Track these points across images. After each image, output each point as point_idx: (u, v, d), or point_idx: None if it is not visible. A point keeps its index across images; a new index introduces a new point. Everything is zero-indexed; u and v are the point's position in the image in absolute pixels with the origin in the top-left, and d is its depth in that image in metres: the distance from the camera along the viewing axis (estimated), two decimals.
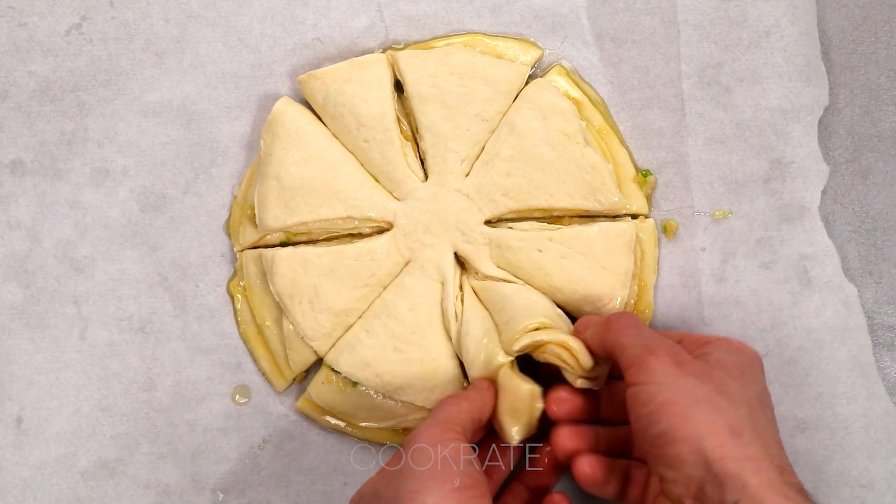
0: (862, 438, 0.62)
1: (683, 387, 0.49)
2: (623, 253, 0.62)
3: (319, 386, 0.63)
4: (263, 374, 0.65)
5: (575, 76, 0.66)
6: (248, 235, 0.65)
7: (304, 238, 0.64)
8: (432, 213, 0.62)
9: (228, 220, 0.66)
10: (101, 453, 0.65)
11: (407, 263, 0.63)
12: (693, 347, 0.55)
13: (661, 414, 0.49)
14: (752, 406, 0.51)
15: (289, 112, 0.64)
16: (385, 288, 0.63)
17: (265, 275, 0.64)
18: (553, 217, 0.63)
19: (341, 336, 0.63)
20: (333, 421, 0.64)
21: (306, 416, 0.65)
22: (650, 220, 0.65)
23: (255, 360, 0.66)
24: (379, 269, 0.62)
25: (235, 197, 0.66)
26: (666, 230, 0.65)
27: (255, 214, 0.64)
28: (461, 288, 0.62)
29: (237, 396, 0.65)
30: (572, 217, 0.63)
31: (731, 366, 0.52)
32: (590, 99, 0.66)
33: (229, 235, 0.66)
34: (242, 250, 0.65)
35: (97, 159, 0.66)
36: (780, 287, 0.64)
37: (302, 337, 0.62)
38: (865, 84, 0.66)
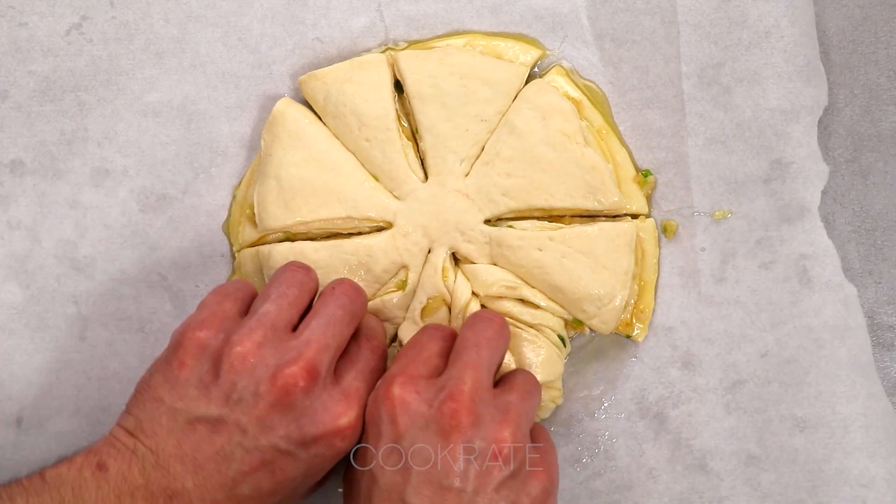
0: (862, 438, 0.62)
1: None
2: (623, 253, 0.62)
3: None
4: None
5: (575, 76, 0.66)
6: (248, 235, 0.65)
7: (303, 238, 0.64)
8: (432, 214, 0.62)
9: (227, 219, 0.66)
10: None
11: (404, 267, 0.63)
12: None
13: None
14: None
15: (289, 112, 0.64)
16: (383, 286, 0.63)
17: (262, 272, 0.64)
18: (553, 216, 0.63)
19: None
20: None
21: None
22: (650, 220, 0.65)
23: None
24: (375, 266, 0.62)
25: (235, 197, 0.66)
26: (666, 230, 0.65)
27: (254, 214, 0.64)
28: None
29: None
30: (573, 217, 0.64)
31: None
32: (590, 99, 0.66)
33: (228, 235, 0.66)
34: (241, 249, 0.65)
35: (97, 159, 0.66)
36: (779, 287, 0.64)
37: None
38: (865, 84, 0.66)
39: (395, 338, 0.63)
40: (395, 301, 0.62)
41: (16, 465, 0.64)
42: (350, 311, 0.55)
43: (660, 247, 0.65)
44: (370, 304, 0.62)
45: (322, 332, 0.53)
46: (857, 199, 0.66)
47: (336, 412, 0.52)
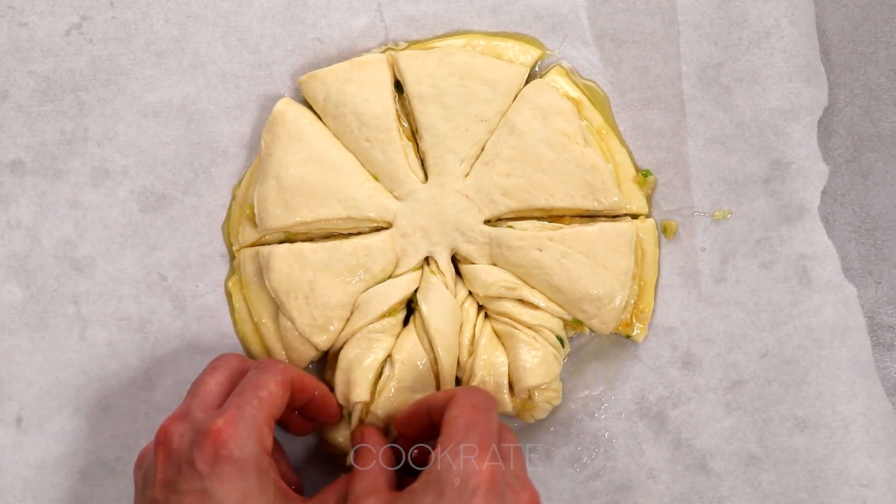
0: (862, 437, 0.62)
1: None
2: (623, 253, 0.62)
3: None
4: None
5: (575, 76, 0.66)
6: (248, 235, 0.65)
7: (303, 238, 0.64)
8: (431, 216, 0.62)
9: (227, 219, 0.66)
10: (101, 453, 0.65)
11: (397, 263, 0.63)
12: None
13: None
14: None
15: (289, 112, 0.64)
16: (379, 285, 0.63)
17: (262, 272, 0.63)
18: (553, 216, 0.63)
19: (340, 330, 0.62)
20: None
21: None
22: (650, 220, 0.65)
23: (251, 357, 0.65)
24: (373, 265, 0.62)
25: (235, 197, 0.66)
26: (666, 230, 0.65)
27: (254, 214, 0.64)
28: (473, 328, 0.63)
29: None
30: (572, 217, 0.64)
31: None
32: (590, 99, 0.66)
33: (228, 235, 0.66)
34: (241, 249, 0.65)
35: (97, 159, 0.66)
36: (779, 287, 0.64)
37: (299, 333, 0.62)
38: (865, 84, 0.66)
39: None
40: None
41: (16, 466, 0.64)
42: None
43: (660, 247, 0.65)
44: None
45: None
46: (857, 199, 0.66)
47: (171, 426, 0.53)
